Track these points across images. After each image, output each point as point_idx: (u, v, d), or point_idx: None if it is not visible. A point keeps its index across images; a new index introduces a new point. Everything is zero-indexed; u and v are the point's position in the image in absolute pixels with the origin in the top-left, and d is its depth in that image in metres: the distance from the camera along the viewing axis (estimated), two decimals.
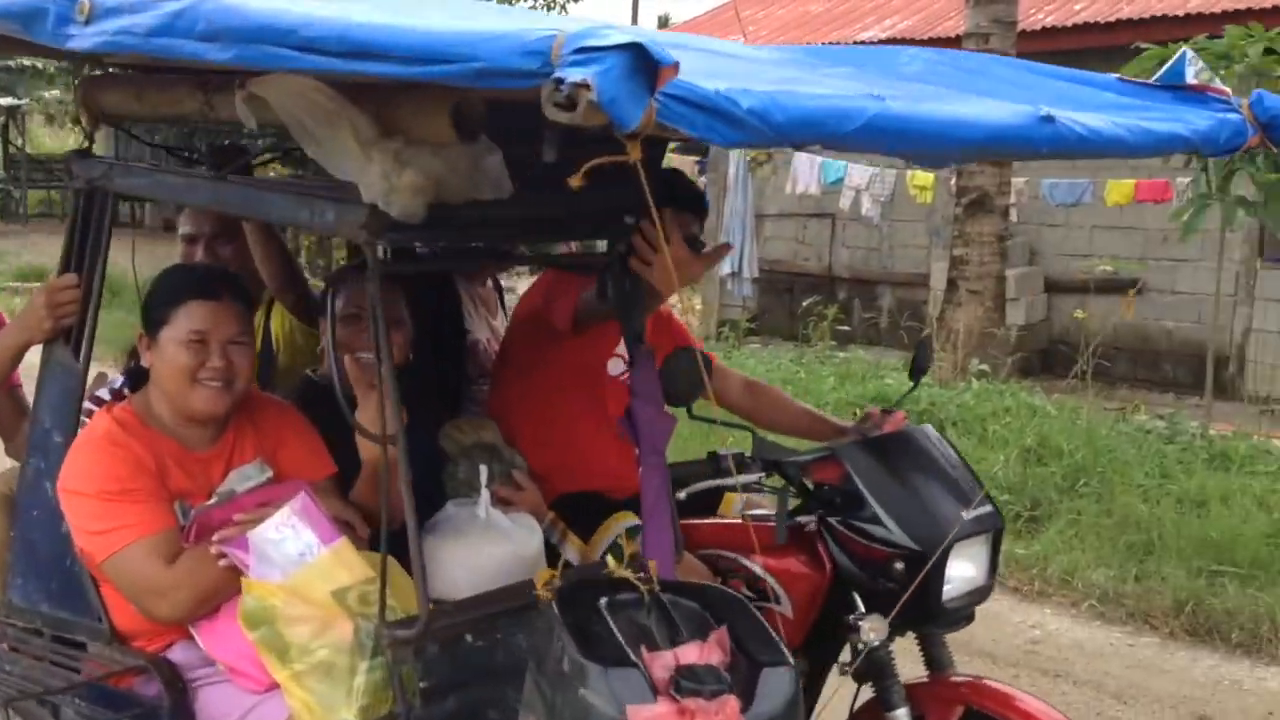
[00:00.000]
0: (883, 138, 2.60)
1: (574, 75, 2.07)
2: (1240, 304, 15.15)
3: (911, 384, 4.56)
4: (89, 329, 3.69)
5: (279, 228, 4.52)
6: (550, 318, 4.21)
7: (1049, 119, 2.98)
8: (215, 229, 4.48)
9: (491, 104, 2.93)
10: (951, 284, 14.74)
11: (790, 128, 2.40)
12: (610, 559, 3.38)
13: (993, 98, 3.20)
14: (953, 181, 15.17)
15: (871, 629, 3.88)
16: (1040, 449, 10.16)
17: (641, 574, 3.14)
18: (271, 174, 6.11)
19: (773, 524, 4.15)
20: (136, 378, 3.70)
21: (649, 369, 3.55)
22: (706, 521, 4.36)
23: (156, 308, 3.57)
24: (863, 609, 3.99)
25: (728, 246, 3.88)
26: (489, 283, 5.21)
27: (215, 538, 3.37)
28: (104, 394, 4.07)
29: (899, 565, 3.91)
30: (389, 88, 3.06)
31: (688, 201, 4.21)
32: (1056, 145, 3.01)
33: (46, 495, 3.66)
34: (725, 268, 16.84)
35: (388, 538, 3.68)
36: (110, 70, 3.80)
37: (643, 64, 2.11)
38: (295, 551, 3.35)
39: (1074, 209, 15.95)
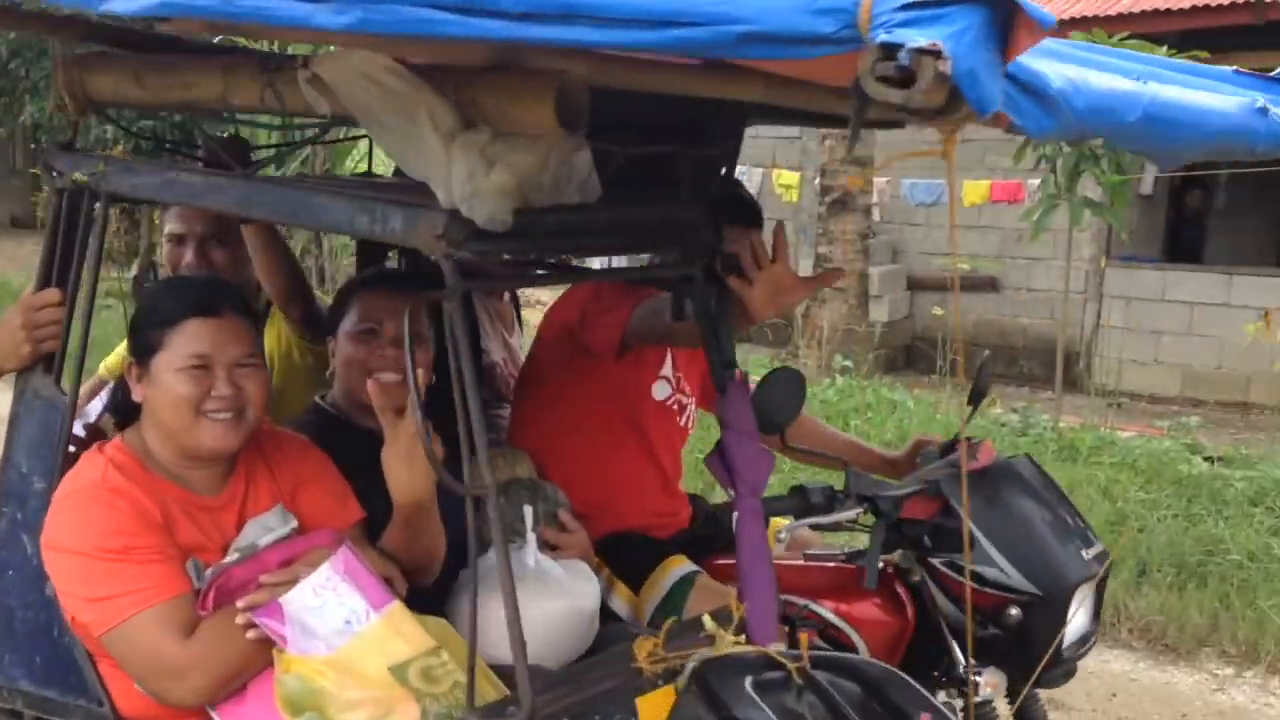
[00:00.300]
0: (1154, 128, 2.05)
1: (916, 39, 1.42)
2: (1089, 301, 15.09)
3: (971, 408, 3.95)
4: (78, 356, 2.95)
5: (282, 231, 3.76)
6: (589, 339, 3.55)
7: (1263, 111, 2.43)
8: (208, 229, 3.74)
9: None
10: None
11: (1088, 114, 1.84)
12: (708, 621, 2.77)
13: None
14: (817, 180, 14.85)
15: (989, 683, 3.30)
16: (900, 444, 9.81)
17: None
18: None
19: (837, 563, 3.54)
20: (125, 413, 2.96)
21: (743, 399, 2.93)
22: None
23: (147, 330, 2.89)
24: (960, 658, 3.39)
25: (838, 272, 3.23)
26: (505, 296, 4.48)
27: (241, 604, 2.70)
28: (76, 428, 3.30)
29: (1014, 611, 3.34)
30: (472, 69, 2.41)
31: (756, 217, 3.58)
32: (1271, 141, 2.46)
33: (25, 552, 2.96)
34: (594, 265, 16.15)
35: (419, 595, 3.05)
36: (100, 49, 3.05)
37: (1003, 25, 1.48)
38: (340, 619, 2.69)
39: (933, 208, 15.71)
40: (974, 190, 14.80)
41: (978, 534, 3.44)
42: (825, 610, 3.54)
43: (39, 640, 2.95)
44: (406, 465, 2.85)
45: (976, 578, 3.44)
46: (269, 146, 3.43)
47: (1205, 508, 8.40)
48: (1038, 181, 12.82)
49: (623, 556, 3.54)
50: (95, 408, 3.21)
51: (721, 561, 3.71)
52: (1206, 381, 14.33)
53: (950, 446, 3.82)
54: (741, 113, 3.18)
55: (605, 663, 2.76)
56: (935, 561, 3.52)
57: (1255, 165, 11.89)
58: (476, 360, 4.07)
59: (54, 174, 2.98)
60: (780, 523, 3.96)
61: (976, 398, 3.91)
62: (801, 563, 3.77)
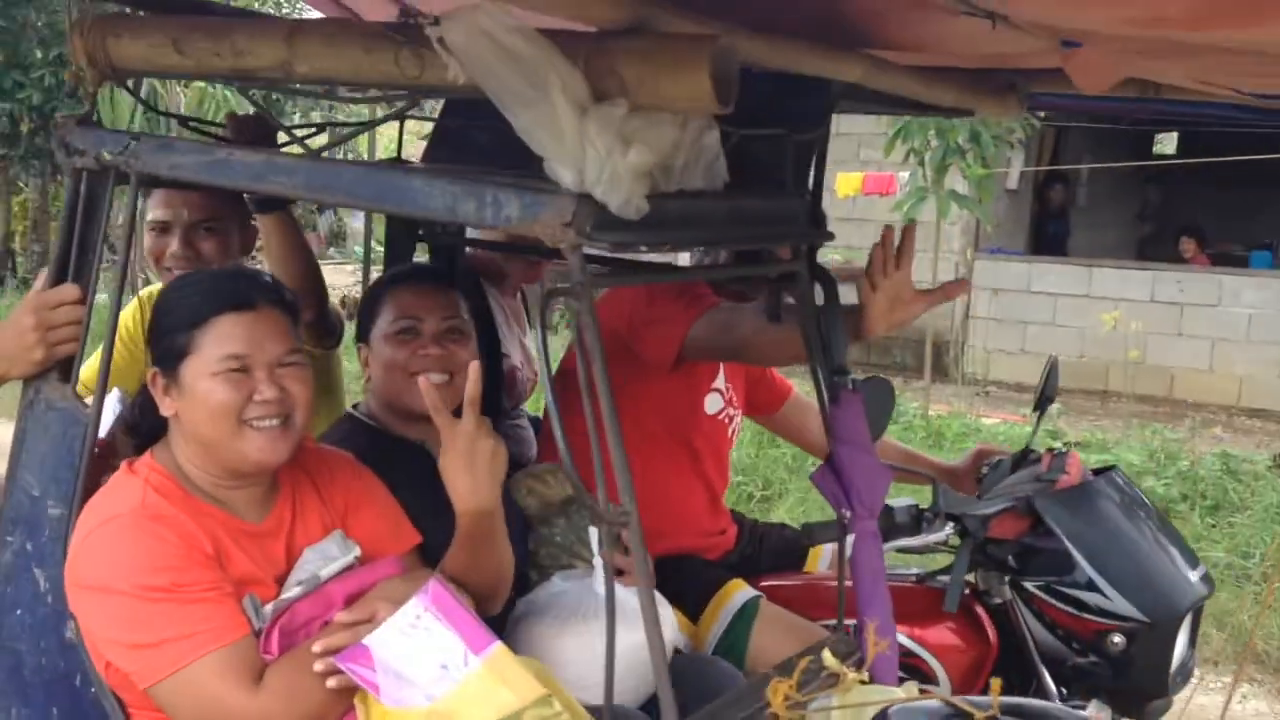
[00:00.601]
0: None
1: None
2: None
3: (1038, 415, 3.59)
4: (104, 360, 2.46)
5: (297, 224, 3.27)
6: (640, 349, 3.15)
7: None
8: (197, 215, 3.24)
9: None
10: None
11: None
12: (829, 658, 2.39)
13: None
14: None
15: (1096, 718, 2.92)
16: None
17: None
18: None
19: (906, 584, 3.17)
20: (147, 432, 2.53)
21: (857, 410, 2.54)
22: (822, 583, 3.35)
23: (172, 334, 2.43)
24: (1052, 688, 3.03)
25: (963, 283, 2.82)
26: (517, 294, 4.01)
27: (318, 647, 2.28)
28: None
29: (1117, 639, 3.01)
30: (604, 33, 2.01)
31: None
32: None
33: (37, 589, 2.51)
34: None
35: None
36: (121, 10, 2.56)
37: None
38: (435, 663, 2.25)
39: None
40: (847, 182, 14.61)
41: (1077, 555, 3.11)
42: (901, 636, 3.16)
43: (56, 691, 2.48)
44: (468, 469, 2.43)
45: (1076, 603, 3.11)
46: (335, 125, 2.92)
47: None
48: (908, 174, 12.81)
49: (675, 581, 3.13)
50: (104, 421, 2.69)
51: (770, 583, 3.34)
52: (1069, 370, 14.36)
53: (1023, 457, 3.45)
54: (829, 100, 2.80)
55: (732, 706, 2.36)
56: (1030, 585, 3.16)
57: (1113, 163, 12.05)
58: (494, 360, 3.61)
59: (71, 153, 2.49)
60: (820, 550, 3.60)
61: (1044, 403, 3.54)
62: None
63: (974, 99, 3.06)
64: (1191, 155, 15.05)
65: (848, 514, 2.56)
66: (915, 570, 3.46)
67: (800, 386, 3.71)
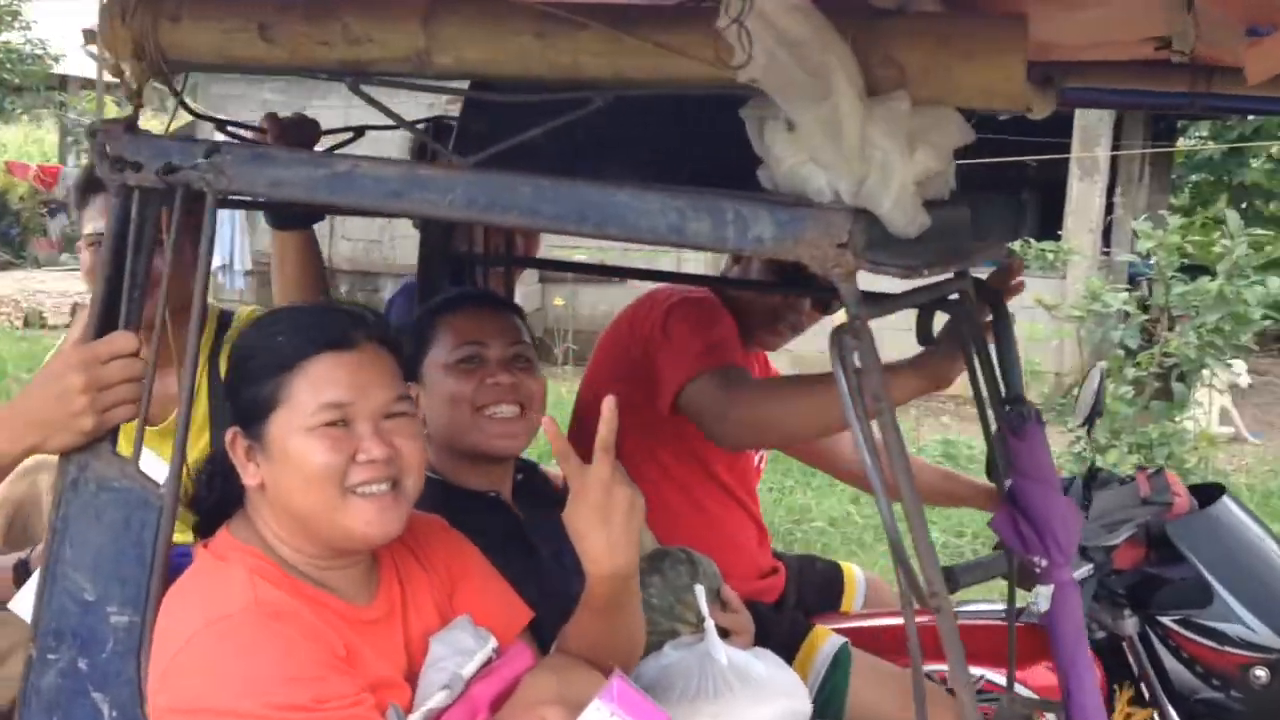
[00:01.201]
0: None
1: None
2: None
3: (1089, 430, 3.27)
4: (181, 429, 1.87)
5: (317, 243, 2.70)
6: (663, 380, 2.69)
7: None
8: None
9: None
10: None
11: None
12: None
13: None
14: None
15: None
16: None
17: None
18: None
19: (996, 621, 2.82)
20: (210, 510, 2.00)
21: (1040, 442, 2.16)
22: (886, 620, 2.97)
23: (256, 383, 1.89)
24: None
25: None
26: None
27: None
28: None
29: (1260, 673, 2.71)
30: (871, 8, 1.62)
31: None
32: None
33: (98, 718, 1.89)
34: (216, 259, 14.57)
35: None
36: None
37: None
38: None
39: None
40: None
41: (1217, 585, 2.81)
42: (1002, 679, 2.78)
43: None
44: (603, 525, 1.90)
45: (1215, 635, 2.80)
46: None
47: (797, 481, 8.43)
48: None
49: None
50: None
51: (843, 625, 2.94)
52: (808, 365, 14.38)
53: (1092, 477, 3.10)
54: None
55: None
56: (1166, 620, 2.83)
57: None
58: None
59: (119, 167, 1.89)
60: (854, 590, 3.23)
61: (1091, 418, 3.20)
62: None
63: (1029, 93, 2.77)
64: None
65: (1042, 561, 2.16)
66: (1000, 606, 3.10)
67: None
